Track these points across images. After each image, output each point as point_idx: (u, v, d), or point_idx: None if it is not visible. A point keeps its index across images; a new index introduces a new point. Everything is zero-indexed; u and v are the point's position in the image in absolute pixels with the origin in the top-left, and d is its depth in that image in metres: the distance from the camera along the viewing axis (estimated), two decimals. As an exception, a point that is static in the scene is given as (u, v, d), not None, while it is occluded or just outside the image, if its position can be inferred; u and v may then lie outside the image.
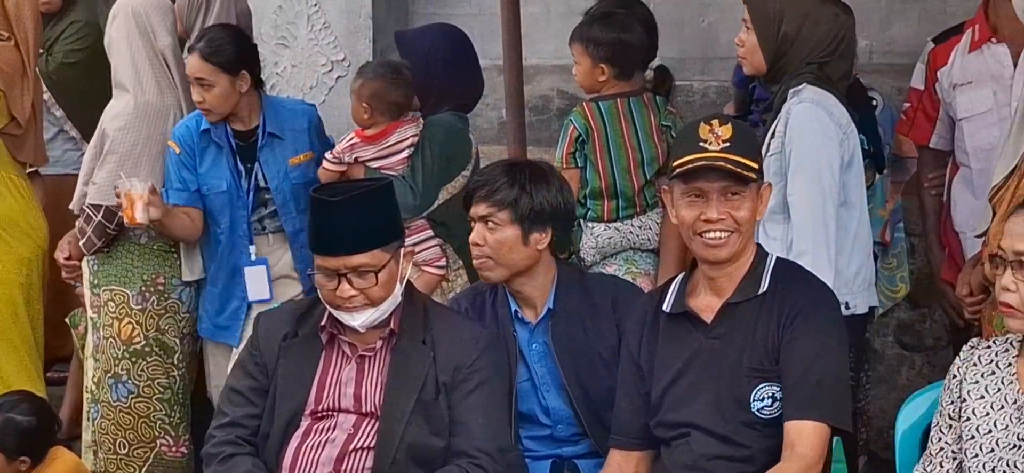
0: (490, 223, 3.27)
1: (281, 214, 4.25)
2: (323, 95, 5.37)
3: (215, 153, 4.17)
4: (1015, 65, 3.81)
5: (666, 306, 3.02)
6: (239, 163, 4.20)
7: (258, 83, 4.23)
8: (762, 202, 3.00)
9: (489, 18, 5.17)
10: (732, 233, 2.91)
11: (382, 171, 4.16)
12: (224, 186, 4.18)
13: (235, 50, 4.08)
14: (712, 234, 2.90)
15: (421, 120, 4.20)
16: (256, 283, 4.17)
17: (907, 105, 4.30)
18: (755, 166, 2.92)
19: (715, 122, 2.95)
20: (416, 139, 4.18)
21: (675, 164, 2.94)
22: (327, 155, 4.25)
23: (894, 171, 4.27)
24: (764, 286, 2.96)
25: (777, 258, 3.07)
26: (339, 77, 5.38)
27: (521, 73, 4.64)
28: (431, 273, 4.18)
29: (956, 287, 3.72)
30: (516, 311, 3.31)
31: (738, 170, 2.83)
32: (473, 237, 3.34)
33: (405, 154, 4.21)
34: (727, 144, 2.87)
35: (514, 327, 3.35)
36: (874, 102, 4.17)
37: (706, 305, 2.98)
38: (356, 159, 4.18)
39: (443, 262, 4.27)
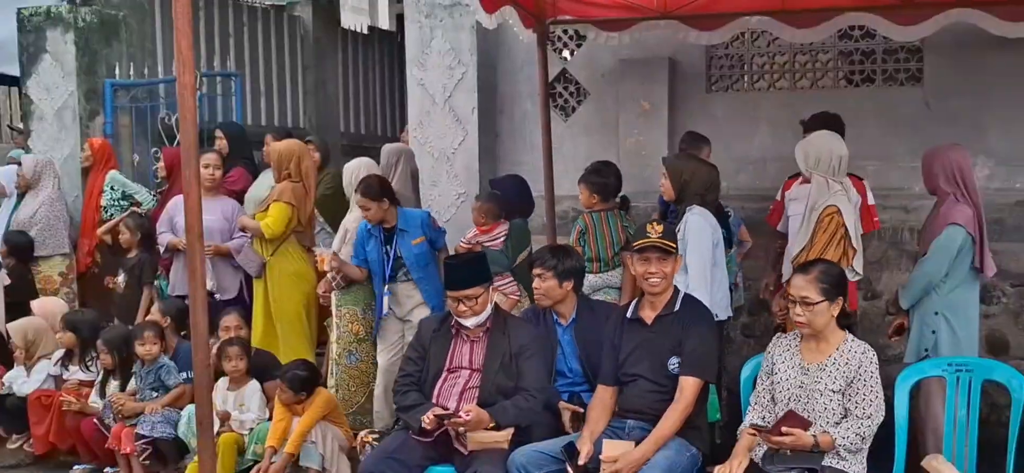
0: (543, 277, 5.13)
1: (411, 271, 6.14)
2: (454, 212, 7.78)
3: (374, 240, 6.20)
4: None
5: (628, 314, 4.78)
6: (383, 245, 6.16)
7: (393, 202, 6.13)
8: (677, 265, 4.71)
9: (537, 169, 7.19)
10: (662, 280, 4.64)
11: (490, 248, 6.22)
12: (376, 256, 6.20)
13: (379, 189, 6.07)
14: (652, 280, 4.64)
15: (507, 222, 6.35)
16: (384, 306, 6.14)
17: (771, 206, 6.22)
18: (674, 245, 4.65)
19: (655, 223, 4.70)
20: (506, 233, 6.31)
21: (635, 244, 4.66)
22: (461, 241, 6.37)
23: (739, 248, 6.43)
24: (677, 307, 4.68)
25: (684, 293, 4.82)
26: (462, 202, 7.78)
27: (553, 198, 6.92)
28: (511, 299, 6.21)
29: (773, 306, 5.81)
30: (556, 319, 5.19)
31: (666, 247, 4.57)
32: (535, 285, 5.17)
33: (501, 240, 6.29)
34: (660, 235, 4.59)
35: (556, 328, 5.21)
36: (729, 213, 6.11)
37: (648, 315, 4.72)
38: (477, 242, 6.29)
39: (517, 293, 6.30)
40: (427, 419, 4.68)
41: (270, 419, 5.83)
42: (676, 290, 4.80)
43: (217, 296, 6.88)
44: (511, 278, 6.36)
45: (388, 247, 6.17)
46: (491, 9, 6.17)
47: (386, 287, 6.17)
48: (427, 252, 6.22)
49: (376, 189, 6.03)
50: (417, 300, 6.17)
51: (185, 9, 4.22)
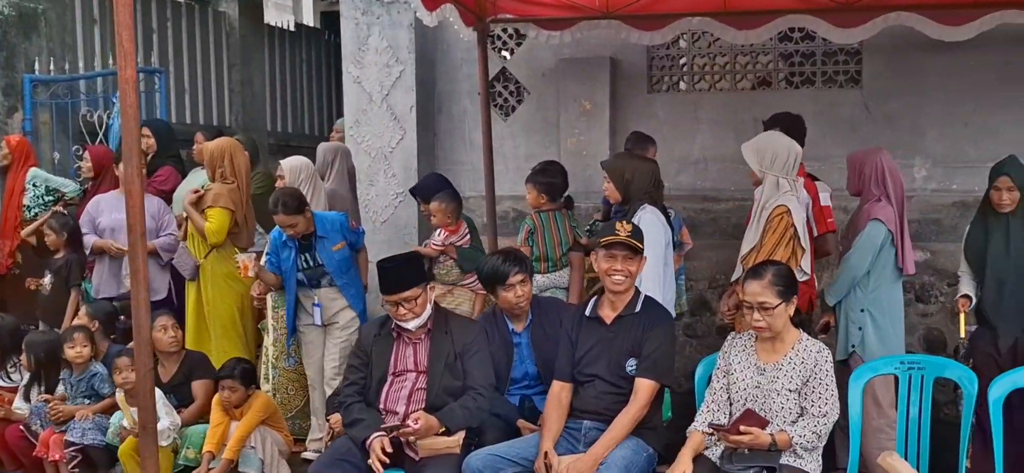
0: (525, 282, 5.00)
1: (335, 278, 5.95)
2: (392, 212, 7.75)
3: (288, 249, 5.97)
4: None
5: (587, 312, 4.72)
6: (300, 253, 5.94)
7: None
8: (641, 266, 4.64)
9: (476, 169, 7.30)
10: (626, 278, 4.58)
11: (462, 246, 6.21)
12: (289, 266, 5.96)
13: (298, 201, 5.84)
14: (616, 277, 4.57)
15: (466, 221, 6.33)
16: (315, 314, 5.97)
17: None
18: (641, 245, 4.58)
19: (625, 222, 4.64)
20: (468, 230, 6.29)
21: (602, 240, 4.58)
22: (433, 243, 6.23)
23: (680, 249, 6.27)
24: (638, 308, 4.62)
25: (645, 295, 4.72)
26: (400, 202, 7.72)
27: (494, 198, 6.92)
28: (481, 294, 6.08)
29: (721, 305, 5.63)
30: (510, 326, 5.09)
31: (634, 246, 4.56)
32: (517, 292, 4.97)
33: (468, 237, 6.27)
34: (629, 234, 4.57)
35: (510, 333, 5.09)
36: (670, 213, 5.79)
37: (607, 314, 4.64)
38: (451, 243, 6.20)
39: (451, 240, 6.21)
40: (377, 453, 4.51)
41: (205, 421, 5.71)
42: (637, 291, 4.78)
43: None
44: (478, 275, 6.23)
45: (307, 255, 6.03)
46: (432, 7, 6.10)
47: (315, 297, 6.04)
48: (349, 256, 6.12)
49: (295, 203, 5.86)
50: (341, 304, 6.07)
51: (126, 2, 4.05)
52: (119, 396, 5.72)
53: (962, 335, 5.37)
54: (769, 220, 5.17)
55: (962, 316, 5.42)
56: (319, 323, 6.05)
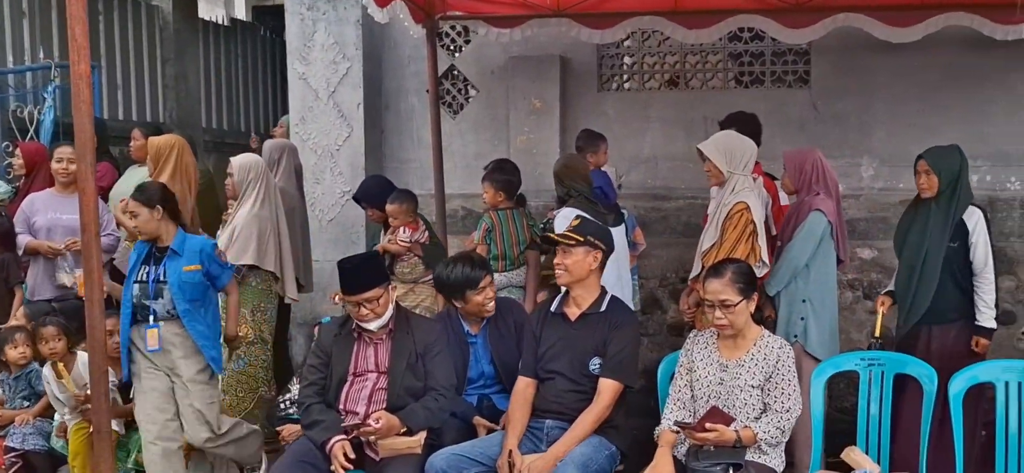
0: (492, 285, 4.99)
1: (176, 301, 5.05)
2: (339, 210, 7.67)
3: (137, 256, 5.24)
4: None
5: (552, 308, 4.73)
6: (147, 264, 5.15)
7: (174, 219, 5.17)
8: (588, 259, 4.55)
9: (425, 167, 7.35)
10: (565, 272, 4.63)
11: (425, 243, 6.14)
12: (131, 278, 5.19)
13: (159, 194, 5.14)
14: (558, 269, 4.65)
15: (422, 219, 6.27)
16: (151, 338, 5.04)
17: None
18: (577, 238, 4.53)
19: (574, 219, 4.78)
20: (426, 227, 6.25)
21: (552, 235, 4.74)
22: (400, 239, 6.10)
23: (633, 249, 6.30)
24: (604, 307, 4.63)
25: (611, 294, 4.70)
26: (347, 200, 7.61)
27: (444, 197, 6.92)
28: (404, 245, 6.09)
29: (681, 303, 5.63)
30: (465, 327, 5.04)
31: (562, 241, 4.59)
32: (487, 295, 4.93)
33: (428, 234, 6.23)
34: (573, 230, 4.61)
35: (465, 333, 5.07)
36: (623, 214, 6.09)
37: (572, 312, 4.65)
38: (415, 241, 6.13)
39: (415, 237, 6.12)
40: (338, 453, 4.43)
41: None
42: (603, 290, 4.76)
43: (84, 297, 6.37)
44: (422, 242, 6.29)
45: (154, 268, 5.17)
46: (383, 3, 6.05)
47: (152, 319, 5.10)
48: (200, 284, 5.18)
49: (147, 195, 5.13)
50: (184, 350, 5.15)
51: (80, -7, 3.88)
52: (47, 372, 5.50)
53: (877, 333, 5.41)
54: (730, 217, 5.20)
55: (879, 315, 5.48)
56: (152, 350, 5.11)
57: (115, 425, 5.22)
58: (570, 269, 4.59)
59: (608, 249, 4.72)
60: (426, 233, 6.22)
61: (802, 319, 5.32)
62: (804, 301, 5.33)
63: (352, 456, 4.44)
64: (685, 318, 5.62)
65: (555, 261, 4.62)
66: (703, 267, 5.21)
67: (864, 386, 4.76)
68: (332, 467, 4.45)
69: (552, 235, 4.66)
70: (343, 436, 4.49)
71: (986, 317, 5.24)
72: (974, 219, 5.25)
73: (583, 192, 5.60)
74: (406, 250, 6.06)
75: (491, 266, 5.37)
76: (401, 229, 6.19)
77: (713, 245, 5.23)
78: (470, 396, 5.09)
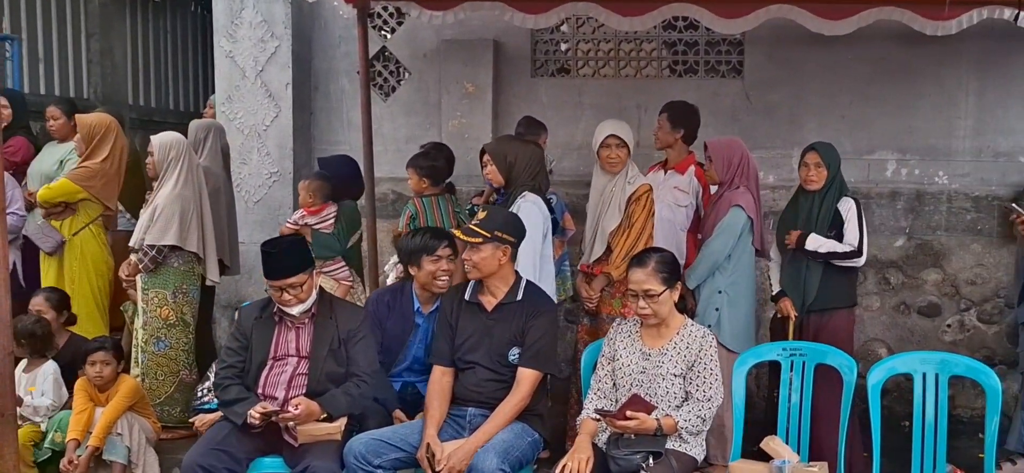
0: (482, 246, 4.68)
1: None
2: (266, 191, 7.59)
3: None
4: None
5: (467, 296, 4.71)
6: None
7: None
8: (497, 253, 4.57)
9: (355, 149, 7.13)
10: (473, 268, 4.63)
11: (320, 230, 6.04)
12: None
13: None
14: (466, 265, 4.67)
15: (336, 204, 6.13)
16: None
17: None
18: (483, 235, 4.53)
19: (480, 212, 4.76)
20: (335, 214, 6.11)
21: (458, 233, 4.71)
22: (287, 221, 6.07)
23: (562, 235, 6.30)
24: (520, 296, 4.65)
25: (527, 280, 4.73)
26: (274, 181, 7.61)
27: (373, 182, 6.75)
28: (343, 285, 6.06)
29: (582, 291, 5.67)
30: (416, 304, 5.02)
31: (467, 239, 4.59)
32: (426, 267, 4.93)
33: (331, 222, 6.10)
34: (477, 222, 4.64)
35: (415, 311, 5.03)
36: (551, 199, 5.81)
37: (487, 301, 4.65)
38: (305, 224, 6.06)
39: (350, 279, 6.14)
40: (253, 415, 4.43)
41: (69, 406, 5.44)
42: (518, 277, 4.72)
43: None
44: (343, 263, 6.19)
45: None
46: (314, -19, 5.92)
47: None
48: None
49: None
50: None
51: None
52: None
53: (791, 338, 5.43)
54: (636, 198, 5.41)
55: (791, 322, 5.50)
56: None
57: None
58: (478, 266, 4.59)
59: (518, 239, 4.69)
60: (330, 222, 6.09)
61: (717, 310, 5.35)
62: (720, 292, 5.37)
63: (269, 412, 4.45)
64: (589, 305, 5.63)
65: (463, 256, 4.62)
66: (609, 247, 5.42)
67: (785, 376, 4.79)
68: (250, 422, 4.43)
69: (457, 233, 4.64)
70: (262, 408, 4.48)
71: (810, 242, 5.42)
72: (846, 205, 5.43)
73: (540, 184, 5.46)
74: (292, 232, 5.87)
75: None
76: (297, 211, 6.09)
77: (619, 227, 5.42)
78: (396, 379, 5.04)
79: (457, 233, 4.68)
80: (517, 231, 4.68)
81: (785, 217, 5.66)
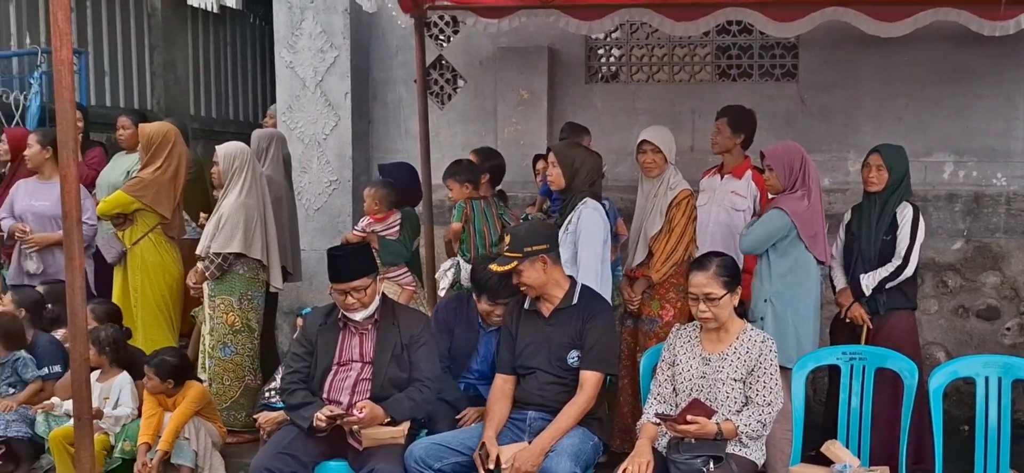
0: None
1: None
2: (326, 199, 7.70)
3: None
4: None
5: (525, 305, 4.79)
6: None
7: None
8: (537, 266, 4.63)
9: (412, 157, 7.14)
10: (527, 287, 4.70)
11: (386, 237, 6.11)
12: None
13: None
14: (522, 288, 4.74)
15: (399, 211, 6.21)
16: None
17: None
18: (516, 256, 4.58)
19: (505, 238, 4.80)
20: (399, 221, 6.19)
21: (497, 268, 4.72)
22: (354, 229, 6.14)
23: (615, 241, 6.08)
24: (575, 300, 4.70)
25: (582, 285, 4.80)
26: (334, 189, 7.74)
27: (430, 189, 6.89)
28: (407, 290, 6.11)
29: (625, 293, 5.70)
30: (479, 319, 5.19)
31: (501, 268, 4.65)
32: (483, 307, 5.11)
33: (396, 229, 6.16)
34: (506, 248, 4.69)
35: (479, 326, 5.20)
36: (605, 204, 5.57)
37: (545, 308, 4.73)
38: (372, 231, 6.10)
39: (413, 284, 6.18)
40: (319, 418, 4.51)
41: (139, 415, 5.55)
42: (573, 282, 4.77)
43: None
44: (406, 268, 6.25)
45: None
46: (371, -8, 5.97)
47: None
48: None
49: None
50: None
51: (62, -22, 3.93)
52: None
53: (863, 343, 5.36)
54: (676, 204, 5.44)
55: (865, 329, 5.43)
56: None
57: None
58: (528, 284, 4.65)
59: (548, 243, 4.72)
60: (396, 228, 6.15)
61: (761, 319, 5.14)
62: (765, 301, 5.18)
63: (334, 415, 4.52)
64: (631, 308, 5.66)
65: (514, 282, 4.68)
66: (651, 252, 5.48)
67: (845, 380, 4.78)
68: (316, 424, 4.51)
69: (495, 267, 4.69)
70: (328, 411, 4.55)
71: (864, 284, 5.37)
72: (904, 213, 5.36)
73: (597, 191, 5.46)
74: (359, 241, 5.93)
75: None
76: (363, 218, 6.15)
77: (660, 231, 5.45)
78: (460, 381, 5.15)
79: (495, 268, 4.71)
80: (542, 236, 4.72)
81: (850, 223, 5.60)
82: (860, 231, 5.44)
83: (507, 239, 4.69)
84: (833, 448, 4.36)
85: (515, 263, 4.61)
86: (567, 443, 4.47)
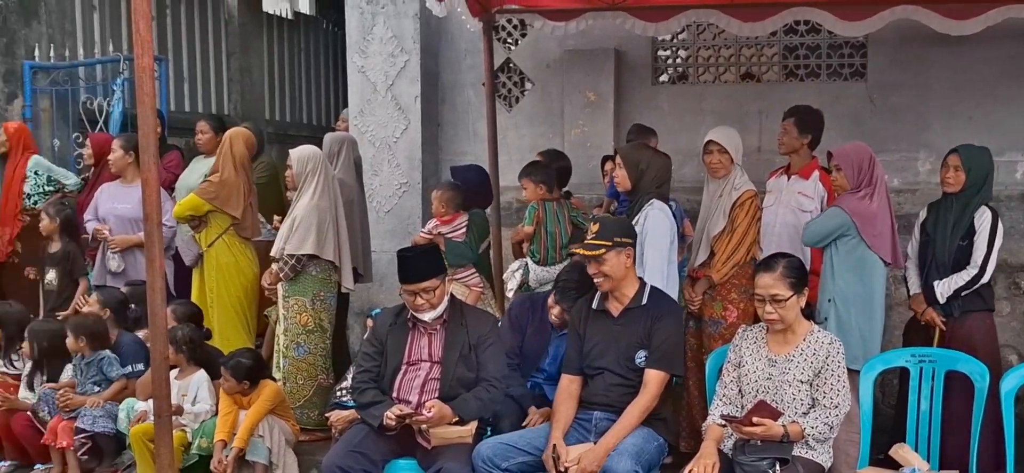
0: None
1: None
2: (396, 201, 7.80)
3: None
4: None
5: (594, 305, 4.79)
6: None
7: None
8: (621, 258, 4.65)
9: (480, 159, 7.25)
10: (605, 278, 4.69)
11: (452, 239, 6.20)
12: None
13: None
14: (597, 279, 4.78)
15: (467, 213, 6.30)
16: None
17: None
18: (605, 244, 4.60)
19: (594, 225, 4.80)
20: (466, 223, 6.26)
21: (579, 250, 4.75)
22: (421, 231, 6.23)
23: (682, 242, 6.06)
24: (644, 300, 4.71)
25: (651, 285, 4.80)
26: (404, 192, 7.82)
27: (499, 191, 6.97)
28: (475, 291, 6.19)
29: (687, 293, 5.68)
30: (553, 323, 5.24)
31: (589, 253, 4.65)
32: (552, 308, 5.23)
33: (463, 231, 6.23)
34: (593, 235, 4.71)
35: (551, 327, 5.28)
36: (672, 205, 5.62)
37: (614, 308, 4.73)
38: (438, 233, 6.21)
39: (480, 285, 6.28)
40: (389, 417, 4.59)
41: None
42: (642, 282, 4.79)
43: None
44: (474, 270, 6.32)
45: None
46: (441, -4, 6.04)
47: None
48: None
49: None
50: None
51: (144, -12, 4.07)
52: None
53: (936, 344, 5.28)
54: (740, 204, 5.45)
55: (937, 331, 5.34)
56: None
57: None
58: (608, 274, 4.66)
59: (634, 241, 4.78)
60: (462, 230, 6.22)
61: (825, 319, 5.05)
62: (829, 301, 5.09)
63: (403, 415, 4.59)
64: (692, 308, 5.66)
65: (590, 271, 4.68)
66: (713, 252, 5.50)
67: (914, 383, 4.74)
68: (386, 423, 4.60)
69: (580, 250, 4.71)
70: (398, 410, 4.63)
71: (938, 292, 5.26)
72: (982, 218, 5.23)
73: (664, 193, 5.46)
74: (427, 242, 6.00)
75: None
76: (431, 220, 6.22)
77: (723, 230, 5.46)
78: (529, 380, 5.21)
79: (580, 250, 4.73)
80: (630, 231, 4.80)
81: (925, 223, 5.50)
82: (936, 233, 5.34)
83: (594, 227, 4.71)
84: (901, 451, 4.34)
85: (603, 250, 4.62)
86: (629, 442, 4.49)
